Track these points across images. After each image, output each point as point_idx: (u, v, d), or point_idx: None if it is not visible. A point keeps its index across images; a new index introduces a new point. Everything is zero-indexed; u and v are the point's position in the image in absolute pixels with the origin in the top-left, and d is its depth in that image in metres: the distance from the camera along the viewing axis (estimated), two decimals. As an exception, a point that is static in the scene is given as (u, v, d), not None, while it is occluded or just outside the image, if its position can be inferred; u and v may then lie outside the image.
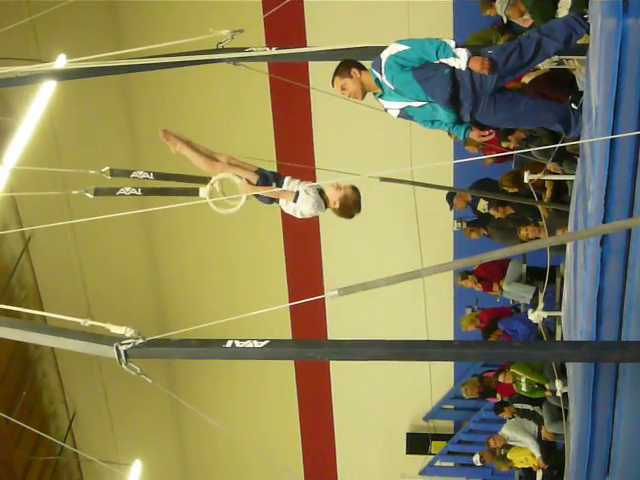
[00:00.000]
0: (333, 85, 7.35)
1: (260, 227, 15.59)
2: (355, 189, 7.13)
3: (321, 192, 7.15)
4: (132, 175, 7.62)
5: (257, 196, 7.18)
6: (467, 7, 12.95)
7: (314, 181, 7.26)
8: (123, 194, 7.54)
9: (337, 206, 7.09)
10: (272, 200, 7.22)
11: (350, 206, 7.14)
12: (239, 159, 7.33)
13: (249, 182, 7.14)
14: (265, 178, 7.17)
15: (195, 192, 7.32)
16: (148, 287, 17.01)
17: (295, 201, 7.07)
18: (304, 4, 13.80)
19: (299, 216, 7.21)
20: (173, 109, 14.79)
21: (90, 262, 16.41)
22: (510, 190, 11.28)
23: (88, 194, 7.58)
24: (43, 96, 9.93)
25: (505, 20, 11.18)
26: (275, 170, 7.35)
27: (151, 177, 7.64)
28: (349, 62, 7.29)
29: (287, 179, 7.18)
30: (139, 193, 7.57)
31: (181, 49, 7.72)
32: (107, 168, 7.68)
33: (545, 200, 10.92)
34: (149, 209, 7.19)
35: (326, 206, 7.15)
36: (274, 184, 7.12)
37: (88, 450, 15.76)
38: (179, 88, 14.43)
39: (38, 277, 16.58)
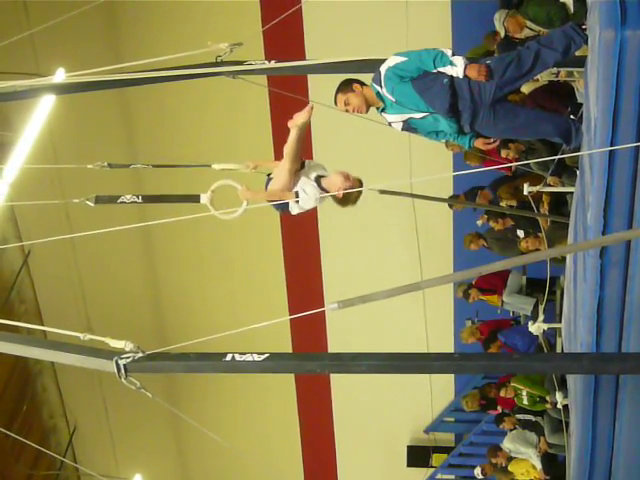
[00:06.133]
0: (336, 103, 7.33)
1: (260, 240, 15.58)
2: (361, 183, 7.15)
3: (319, 178, 7.23)
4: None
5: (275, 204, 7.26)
6: (466, 22, 12.98)
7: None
8: (124, 202, 7.56)
9: (340, 195, 7.09)
10: (285, 207, 7.30)
11: (350, 199, 7.17)
12: None
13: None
14: None
15: (196, 198, 7.35)
16: (148, 301, 16.98)
17: (298, 201, 7.19)
18: (303, 17, 13.81)
19: (307, 209, 7.28)
20: (172, 122, 14.80)
21: (90, 276, 16.40)
22: (509, 202, 11.26)
23: (89, 202, 7.60)
24: (42, 110, 9.94)
25: (503, 34, 11.16)
26: None
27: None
28: (349, 79, 7.30)
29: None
30: (140, 200, 7.58)
31: (180, 62, 7.72)
32: (106, 163, 7.82)
33: (543, 212, 10.90)
34: (148, 223, 7.18)
35: (327, 190, 7.16)
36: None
37: (88, 465, 15.69)
38: (178, 101, 14.43)
39: (38, 291, 16.56)
